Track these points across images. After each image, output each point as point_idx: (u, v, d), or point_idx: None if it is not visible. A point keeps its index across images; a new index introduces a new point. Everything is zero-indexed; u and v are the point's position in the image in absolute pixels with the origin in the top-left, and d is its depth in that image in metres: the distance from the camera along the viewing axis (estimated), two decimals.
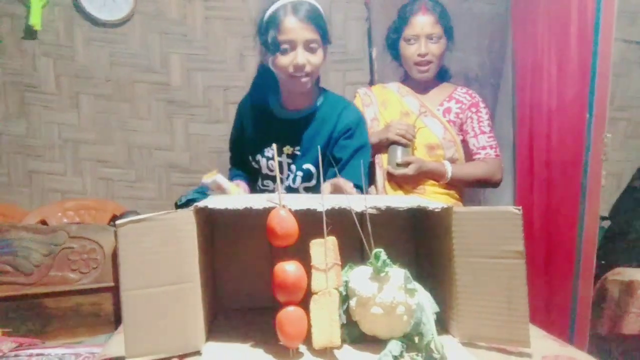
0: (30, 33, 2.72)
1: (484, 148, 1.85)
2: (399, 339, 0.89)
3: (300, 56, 1.41)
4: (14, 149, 2.77)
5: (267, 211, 0.90)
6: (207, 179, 1.43)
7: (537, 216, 2.29)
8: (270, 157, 1.55)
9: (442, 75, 1.97)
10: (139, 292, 0.86)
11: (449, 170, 1.78)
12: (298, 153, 1.54)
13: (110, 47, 2.80)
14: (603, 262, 2.02)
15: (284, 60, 1.43)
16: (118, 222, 0.86)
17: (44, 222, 2.46)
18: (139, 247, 0.87)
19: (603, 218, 2.70)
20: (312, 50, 1.43)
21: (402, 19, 1.86)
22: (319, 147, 1.26)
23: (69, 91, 2.79)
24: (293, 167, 1.55)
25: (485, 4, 2.95)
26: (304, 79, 1.45)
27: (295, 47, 1.41)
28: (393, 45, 1.92)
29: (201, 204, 0.90)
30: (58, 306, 2.04)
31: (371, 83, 2.85)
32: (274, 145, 1.03)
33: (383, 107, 1.92)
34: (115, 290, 2.09)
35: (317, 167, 1.51)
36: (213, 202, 0.92)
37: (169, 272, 0.88)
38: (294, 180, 1.54)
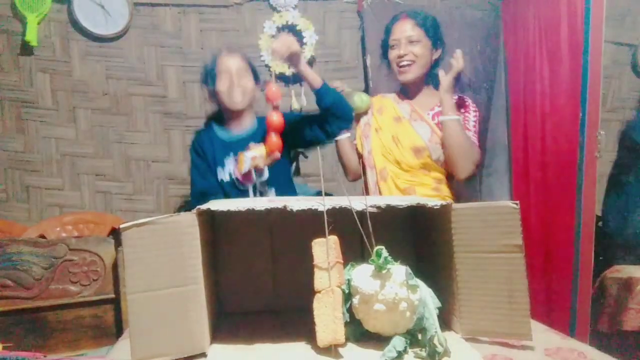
0: (26, 49, 2.74)
1: None
2: (403, 335, 0.90)
3: (235, 78, 1.82)
4: (11, 164, 2.78)
5: (268, 212, 0.91)
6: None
7: (534, 217, 2.31)
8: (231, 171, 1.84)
9: (436, 82, 1.99)
10: (144, 295, 0.87)
11: (454, 115, 1.79)
12: None
13: (107, 61, 2.83)
14: (601, 258, 2.04)
15: (221, 84, 1.83)
16: (122, 225, 0.87)
17: (42, 237, 2.45)
18: (143, 251, 0.88)
19: (599, 218, 2.72)
20: (244, 77, 1.84)
21: (387, 31, 1.96)
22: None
23: (65, 106, 2.81)
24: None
25: (476, 10, 3.00)
26: (237, 95, 1.82)
27: (231, 73, 1.82)
28: (385, 56, 1.98)
29: (204, 206, 0.91)
30: (59, 319, 2.03)
31: (366, 90, 2.88)
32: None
33: (378, 113, 1.98)
34: (116, 302, 2.09)
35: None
36: (215, 204, 0.93)
37: (173, 275, 0.89)
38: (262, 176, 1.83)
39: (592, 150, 1.84)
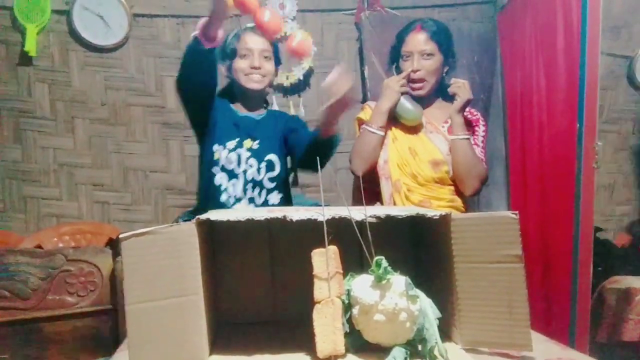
0: (25, 59, 2.75)
1: None
2: (403, 345, 0.90)
3: (257, 60, 1.72)
4: (9, 174, 2.78)
5: (268, 222, 0.91)
6: None
7: (532, 228, 2.31)
8: (232, 149, 1.71)
9: (445, 94, 1.93)
10: (143, 306, 0.87)
11: (463, 135, 1.79)
12: (257, 147, 1.73)
13: (105, 72, 2.84)
14: (600, 268, 2.04)
15: (242, 63, 1.73)
16: (122, 235, 0.86)
17: (39, 248, 2.45)
18: (143, 261, 0.87)
19: (597, 229, 2.72)
20: (266, 58, 1.74)
21: (399, 39, 1.91)
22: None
23: (64, 116, 2.81)
24: (252, 160, 1.72)
25: (473, 22, 3.03)
26: (257, 76, 1.72)
27: (253, 53, 1.73)
28: (393, 62, 1.95)
29: (203, 216, 0.91)
30: (56, 330, 2.02)
31: (364, 101, 2.89)
32: None
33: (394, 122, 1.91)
34: (113, 313, 2.07)
35: (278, 155, 1.75)
36: (215, 214, 0.93)
37: (173, 285, 0.88)
38: (258, 171, 1.72)
39: (589, 161, 1.85)
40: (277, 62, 1.81)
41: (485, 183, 1.88)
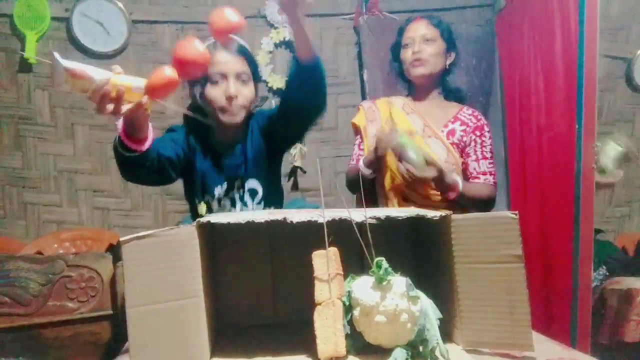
0: (25, 66, 2.75)
1: (484, 173, 1.81)
2: (404, 346, 0.90)
3: (232, 87, 1.41)
4: (9, 181, 2.78)
5: (268, 225, 0.91)
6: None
7: (532, 230, 2.31)
8: (223, 196, 1.52)
9: (447, 94, 1.93)
10: (144, 309, 0.87)
11: (461, 186, 1.71)
12: (244, 181, 1.54)
13: None
14: (601, 269, 2.04)
15: (214, 91, 1.42)
16: (122, 239, 0.87)
17: (40, 254, 2.44)
18: (144, 264, 0.87)
19: (597, 231, 2.72)
20: (243, 83, 1.44)
21: (400, 32, 1.90)
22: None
23: (64, 122, 2.82)
24: (243, 193, 1.53)
25: (471, 25, 3.04)
26: (235, 110, 1.43)
27: (227, 78, 1.42)
28: (396, 58, 1.92)
29: (204, 219, 0.92)
30: (57, 336, 2.01)
31: None
32: None
33: (387, 125, 1.85)
34: (114, 319, 2.07)
35: (260, 181, 1.53)
36: (215, 217, 0.94)
37: (174, 288, 0.89)
38: (245, 204, 1.53)
39: (589, 162, 1.85)
40: (257, 77, 1.51)
41: (493, 206, 1.83)
